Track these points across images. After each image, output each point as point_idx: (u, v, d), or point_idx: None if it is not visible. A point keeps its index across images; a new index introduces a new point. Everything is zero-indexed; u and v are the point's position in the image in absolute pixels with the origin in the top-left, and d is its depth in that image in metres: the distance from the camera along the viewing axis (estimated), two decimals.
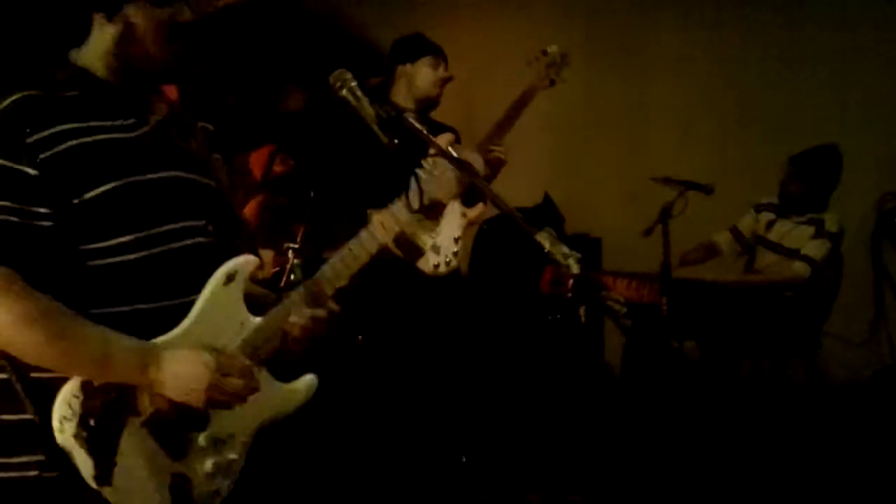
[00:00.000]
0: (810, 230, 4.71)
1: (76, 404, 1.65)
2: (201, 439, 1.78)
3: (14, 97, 1.70)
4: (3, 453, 1.70)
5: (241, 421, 1.84)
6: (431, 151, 2.01)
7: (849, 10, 5.59)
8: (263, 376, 1.87)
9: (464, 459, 4.02)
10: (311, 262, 4.44)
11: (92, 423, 1.65)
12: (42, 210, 1.66)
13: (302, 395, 1.96)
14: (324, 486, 3.52)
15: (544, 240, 1.84)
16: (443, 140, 3.14)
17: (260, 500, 1.95)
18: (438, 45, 3.96)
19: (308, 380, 1.97)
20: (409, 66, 3.87)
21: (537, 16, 6.39)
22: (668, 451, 4.06)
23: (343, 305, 2.05)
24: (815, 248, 4.64)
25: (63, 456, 1.65)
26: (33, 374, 1.67)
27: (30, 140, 1.67)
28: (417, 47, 3.92)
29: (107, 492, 1.65)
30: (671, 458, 4.03)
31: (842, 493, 3.97)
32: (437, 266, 3.68)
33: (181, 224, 1.83)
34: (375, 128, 1.88)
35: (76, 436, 1.64)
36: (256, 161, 5.33)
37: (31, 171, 1.66)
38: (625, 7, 6.19)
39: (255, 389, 1.81)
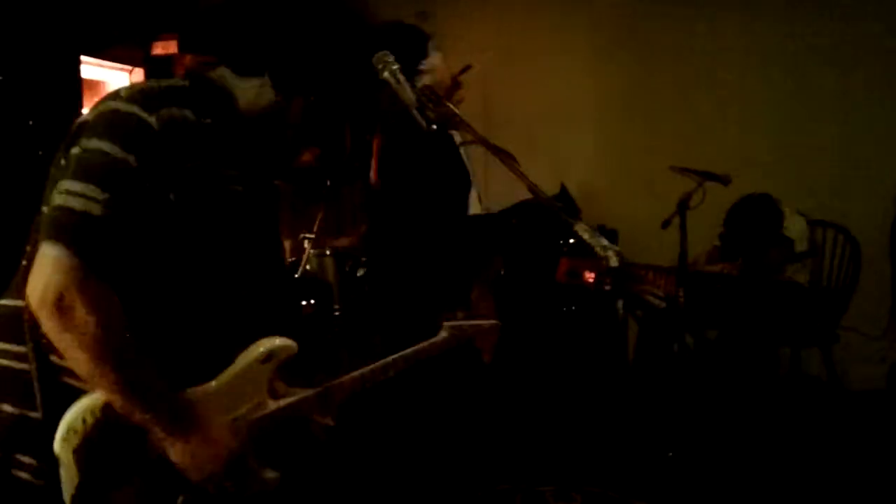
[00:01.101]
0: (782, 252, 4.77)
1: (90, 423, 1.62)
2: (180, 500, 1.74)
3: (171, 114, 1.66)
4: (2, 446, 1.67)
5: (217, 495, 1.80)
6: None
7: (851, 1, 5.58)
8: (253, 458, 1.86)
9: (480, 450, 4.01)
10: (328, 252, 4.45)
11: (96, 445, 1.62)
12: (148, 234, 1.63)
13: (269, 486, 1.90)
14: (338, 476, 3.52)
15: (583, 231, 1.84)
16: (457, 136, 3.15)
17: None
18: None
19: (275, 476, 1.91)
20: (425, 62, 3.76)
21: (544, 11, 6.38)
22: (684, 442, 4.04)
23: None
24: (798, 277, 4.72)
25: (55, 465, 1.62)
26: (66, 379, 1.64)
27: (183, 165, 1.65)
28: (421, 38, 3.82)
29: None
30: (687, 448, 4.01)
31: (856, 485, 3.97)
32: None
33: (248, 287, 1.85)
34: (415, 112, 1.87)
35: (76, 451, 1.61)
36: None
37: (170, 197, 1.63)
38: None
39: (243, 474, 1.80)
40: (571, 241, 4.70)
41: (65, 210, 1.56)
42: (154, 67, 4.40)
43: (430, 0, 6.00)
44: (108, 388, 1.60)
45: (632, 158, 5.99)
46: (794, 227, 4.75)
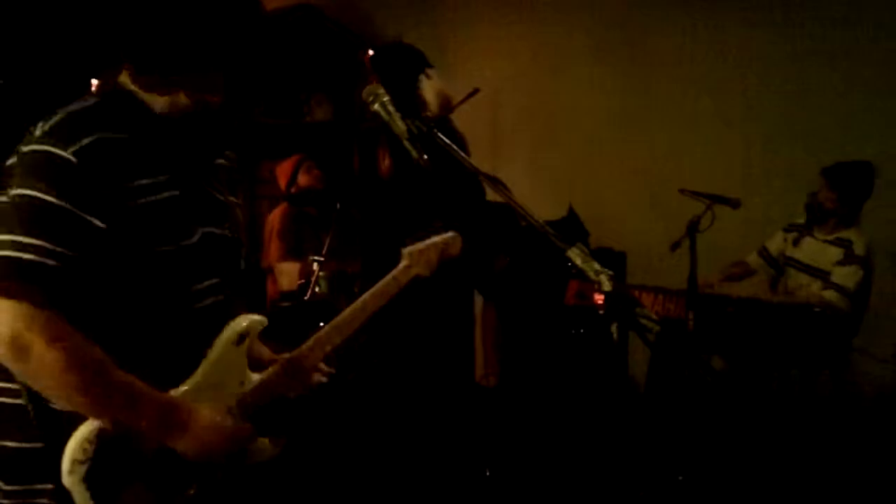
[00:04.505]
0: (838, 252, 4.66)
1: (90, 450, 1.68)
2: (192, 491, 1.83)
3: (88, 141, 1.65)
4: (13, 480, 1.74)
5: (226, 472, 1.91)
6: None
7: (851, 5, 5.56)
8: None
9: (487, 473, 4.01)
10: (337, 275, 4.46)
11: (101, 470, 1.68)
12: (97, 260, 1.66)
13: (268, 454, 2.01)
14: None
15: (576, 256, 1.84)
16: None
17: None
18: None
19: (274, 442, 2.02)
20: (430, 72, 3.69)
21: (548, 34, 6.42)
22: (692, 466, 4.02)
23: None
24: (847, 277, 4.58)
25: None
26: (52, 404, 1.69)
27: (103, 192, 1.65)
28: (423, 56, 3.77)
29: None
30: (696, 473, 4.00)
31: None
32: None
33: (209, 282, 1.87)
34: (407, 144, 1.89)
35: (84, 480, 1.67)
36: (282, 171, 5.36)
37: (100, 225, 1.65)
38: (630, 16, 6.19)
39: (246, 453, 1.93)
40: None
41: (3, 262, 1.60)
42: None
43: (439, 22, 6.06)
44: (95, 411, 1.67)
45: (640, 179, 5.97)
46: (857, 233, 4.69)
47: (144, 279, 1.73)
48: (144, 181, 1.72)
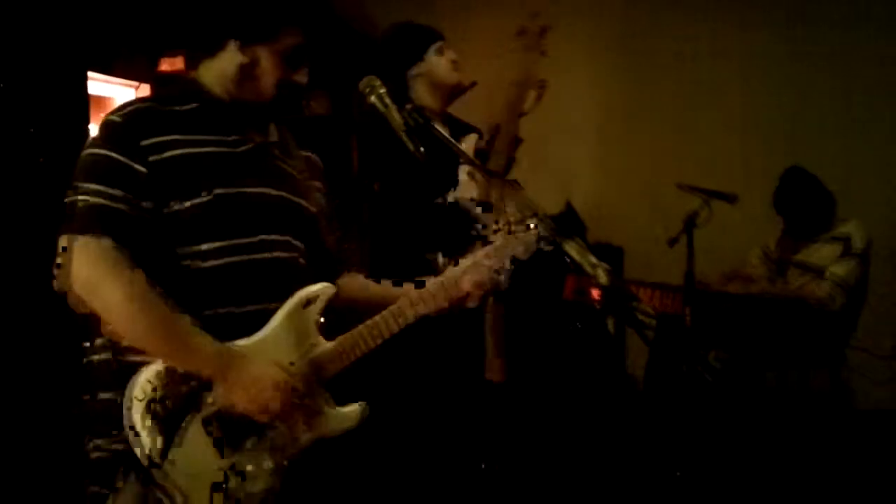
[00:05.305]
0: (837, 248, 4.67)
1: (148, 389, 1.79)
2: (249, 444, 1.88)
3: (134, 107, 1.93)
4: (107, 427, 1.85)
5: (291, 435, 1.93)
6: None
7: (851, 6, 5.56)
8: (323, 397, 1.98)
9: (483, 467, 4.00)
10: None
11: (161, 407, 1.78)
12: (147, 205, 1.84)
13: (353, 421, 2.03)
14: (346, 493, 3.51)
15: (573, 249, 1.84)
16: (469, 142, 3.11)
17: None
18: (430, 27, 3.60)
19: (359, 407, 2.03)
20: (421, 66, 3.47)
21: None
22: (690, 464, 4.02)
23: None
24: (842, 268, 4.60)
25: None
26: (130, 357, 1.83)
27: (143, 143, 1.86)
28: (418, 40, 3.53)
29: (154, 471, 1.78)
30: (694, 471, 4.00)
31: None
32: None
33: (265, 237, 1.96)
34: (404, 136, 1.88)
35: (144, 413, 1.77)
36: None
37: (142, 169, 1.85)
38: (630, 15, 6.20)
39: (314, 413, 1.94)
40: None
41: (71, 208, 1.83)
42: (161, 83, 4.40)
43: (439, 20, 6.03)
44: (152, 346, 1.82)
45: (637, 174, 5.99)
46: (855, 227, 4.70)
47: (191, 225, 1.87)
48: (180, 136, 1.91)
